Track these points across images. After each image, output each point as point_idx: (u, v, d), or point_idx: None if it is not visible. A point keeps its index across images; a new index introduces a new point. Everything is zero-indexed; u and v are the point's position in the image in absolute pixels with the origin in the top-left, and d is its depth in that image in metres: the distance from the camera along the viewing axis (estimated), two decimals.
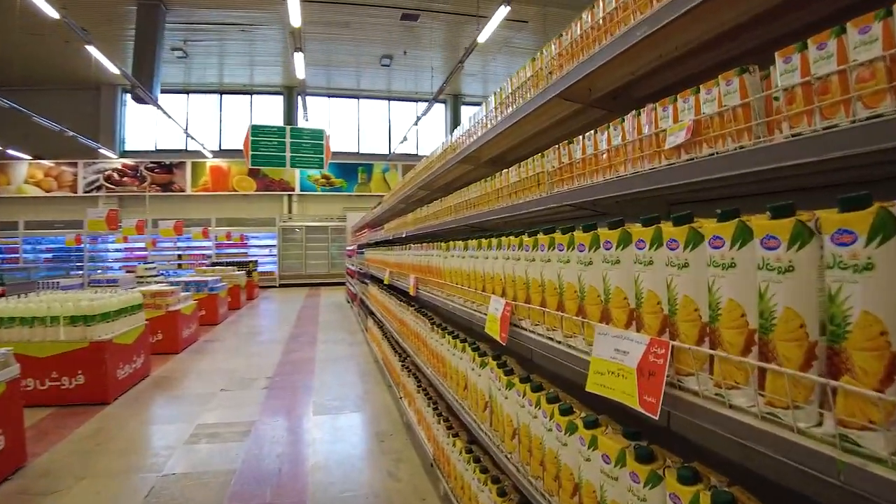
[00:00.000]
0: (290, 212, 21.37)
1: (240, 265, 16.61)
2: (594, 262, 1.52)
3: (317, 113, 21.60)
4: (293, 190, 21.25)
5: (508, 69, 19.79)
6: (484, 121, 3.06)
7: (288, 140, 14.41)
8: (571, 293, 1.65)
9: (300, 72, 12.77)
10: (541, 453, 1.89)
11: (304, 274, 20.76)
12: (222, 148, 21.22)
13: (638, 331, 1.32)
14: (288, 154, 14.26)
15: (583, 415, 1.68)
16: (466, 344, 2.88)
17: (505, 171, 2.70)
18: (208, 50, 17.68)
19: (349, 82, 21.36)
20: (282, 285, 20.39)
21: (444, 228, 3.79)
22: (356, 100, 22.41)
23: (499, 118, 2.80)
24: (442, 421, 3.37)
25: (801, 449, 0.88)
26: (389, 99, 22.78)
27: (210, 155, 19.78)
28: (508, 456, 2.21)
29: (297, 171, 21.14)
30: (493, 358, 2.52)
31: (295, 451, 4.46)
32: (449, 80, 15.55)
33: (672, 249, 1.18)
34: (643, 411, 1.19)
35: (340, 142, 21.91)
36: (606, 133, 1.81)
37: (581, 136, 1.97)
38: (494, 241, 2.35)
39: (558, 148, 2.13)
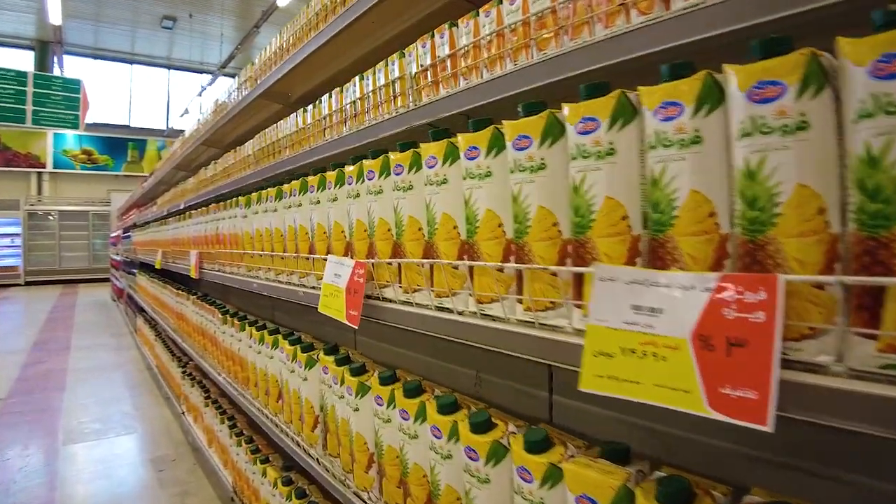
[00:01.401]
0: (39, 193, 17.53)
1: None
2: (549, 166, 0.87)
3: (79, 76, 17.96)
4: (44, 166, 17.45)
5: None
6: (303, 28, 2.25)
7: (30, 89, 10.98)
8: (491, 226, 0.98)
9: (55, 16, 10.23)
10: (424, 491, 1.20)
11: (59, 269, 17.09)
12: None
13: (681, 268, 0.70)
14: (29, 108, 10.81)
15: (512, 429, 1.03)
16: (280, 336, 2.06)
17: (337, 88, 1.94)
18: None
19: (122, 44, 18.14)
20: (29, 283, 16.55)
21: (241, 187, 2.87)
22: (129, 65, 19.19)
23: (326, 22, 2.02)
24: (244, 442, 2.49)
25: None
26: (170, 67, 19.95)
27: None
28: (361, 493, 1.47)
29: (49, 144, 17.42)
30: (326, 352, 1.76)
31: (31, 499, 3.17)
32: (241, 48, 13.97)
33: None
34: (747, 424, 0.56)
35: (107, 112, 18.62)
36: None
37: (475, 12, 1.31)
38: (332, 174, 1.58)
39: (432, 36, 1.45)
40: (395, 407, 1.30)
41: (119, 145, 18.79)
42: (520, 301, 0.94)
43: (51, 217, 16.91)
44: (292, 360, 1.89)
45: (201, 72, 20.12)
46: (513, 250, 0.94)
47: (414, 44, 1.54)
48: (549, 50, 1.06)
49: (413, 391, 1.27)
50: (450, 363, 1.76)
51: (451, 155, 1.07)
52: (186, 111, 16.72)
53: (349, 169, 1.48)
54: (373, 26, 2.09)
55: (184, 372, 3.87)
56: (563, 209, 0.85)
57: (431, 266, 1.15)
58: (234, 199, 2.45)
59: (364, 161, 1.39)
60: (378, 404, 1.36)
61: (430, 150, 1.12)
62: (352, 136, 1.77)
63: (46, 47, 17.01)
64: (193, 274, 2.99)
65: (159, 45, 18.38)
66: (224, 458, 2.89)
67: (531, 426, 1.06)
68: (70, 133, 17.74)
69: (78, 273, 17.32)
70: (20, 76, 11.06)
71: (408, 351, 2.05)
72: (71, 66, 17.20)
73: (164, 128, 19.69)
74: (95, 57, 18.49)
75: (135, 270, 6.81)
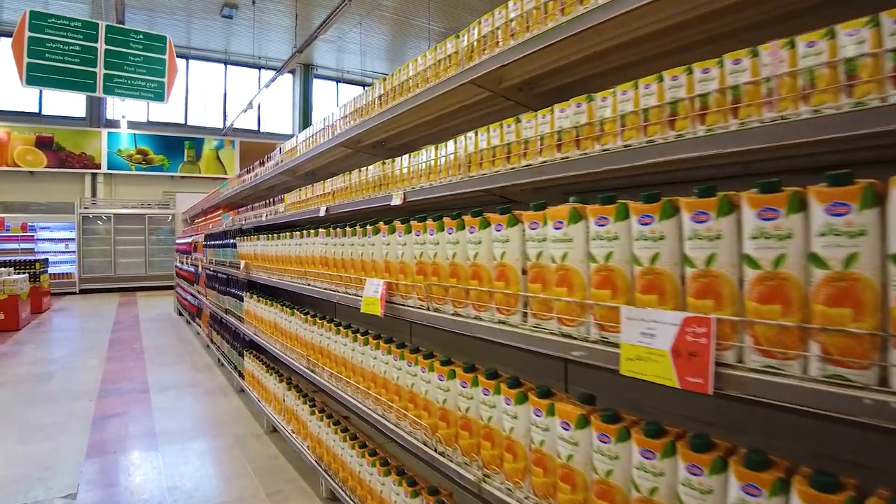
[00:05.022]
0: (94, 195, 16.41)
1: (21, 265, 11.53)
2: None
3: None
4: (98, 167, 16.33)
5: (369, 40, 16.98)
6: None
7: (101, 46, 8.43)
8: None
9: None
10: None
11: (114, 276, 15.87)
12: (0, 109, 15.53)
13: None
14: (100, 71, 8.26)
15: None
16: None
17: None
18: None
19: (177, 36, 16.85)
20: (83, 291, 15.36)
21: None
22: (185, 60, 17.94)
23: None
24: None
25: None
26: (227, 63, 18.70)
27: None
28: None
29: (104, 144, 16.24)
30: None
31: None
32: (311, 40, 12.34)
33: None
34: None
35: (162, 110, 17.38)
36: None
37: None
38: None
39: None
40: None
41: (175, 144, 17.60)
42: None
43: (104, 220, 15.68)
44: None
45: (259, 67, 18.89)
46: None
47: None
48: None
49: None
50: None
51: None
52: (250, 105, 15.29)
53: None
54: None
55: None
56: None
57: None
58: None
59: None
60: None
61: None
62: None
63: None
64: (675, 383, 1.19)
65: (216, 38, 17.15)
66: None
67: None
68: (127, 132, 16.60)
69: (134, 280, 16.09)
70: (89, 27, 8.19)
71: None
72: None
73: (223, 126, 18.41)
74: None
75: (237, 291, 5.17)
